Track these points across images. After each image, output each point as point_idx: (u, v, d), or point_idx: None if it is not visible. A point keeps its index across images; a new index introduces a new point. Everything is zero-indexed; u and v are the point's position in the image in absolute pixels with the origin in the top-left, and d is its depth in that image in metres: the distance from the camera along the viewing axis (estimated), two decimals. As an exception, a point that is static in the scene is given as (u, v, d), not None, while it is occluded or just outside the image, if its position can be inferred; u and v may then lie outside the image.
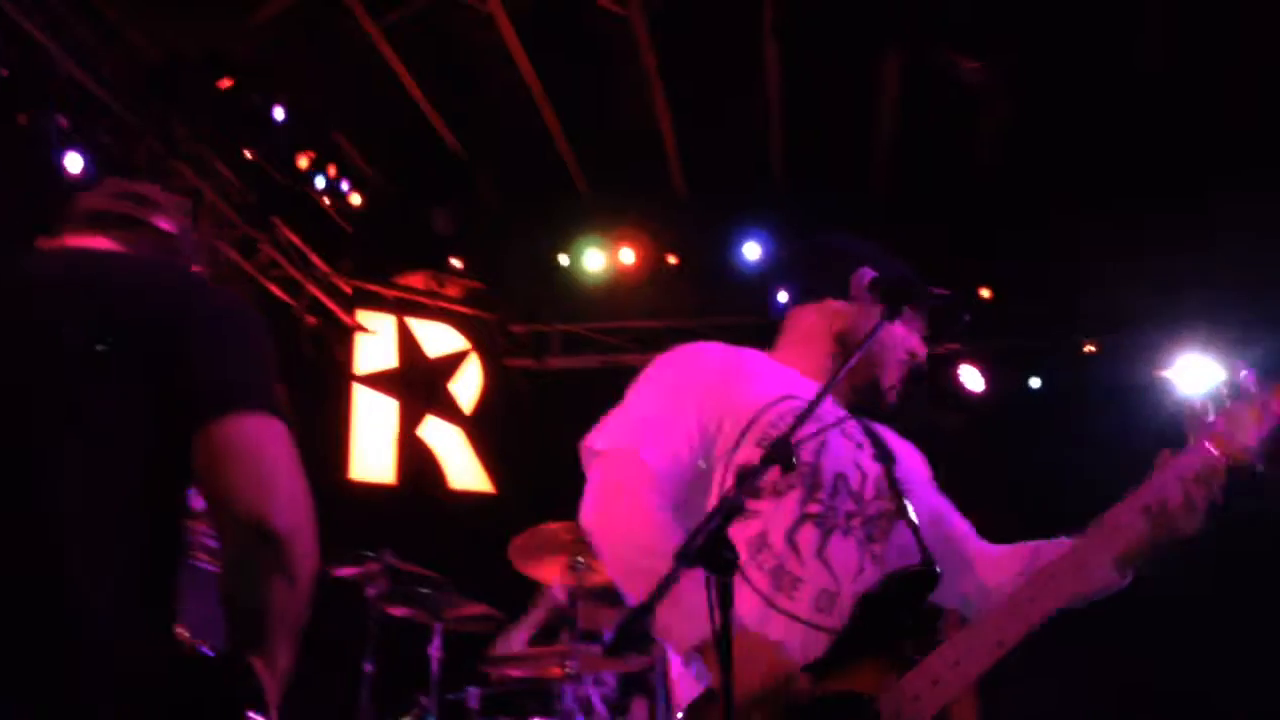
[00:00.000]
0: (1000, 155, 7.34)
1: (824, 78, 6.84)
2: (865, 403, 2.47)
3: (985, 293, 7.63)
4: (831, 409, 2.39)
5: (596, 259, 8.12)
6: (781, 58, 6.63)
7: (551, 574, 5.30)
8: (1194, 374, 7.24)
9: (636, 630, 1.93)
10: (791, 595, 2.21)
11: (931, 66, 6.30)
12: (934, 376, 7.71)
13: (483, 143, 7.53)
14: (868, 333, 2.28)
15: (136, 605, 1.68)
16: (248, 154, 6.45)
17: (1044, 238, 7.34)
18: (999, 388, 7.52)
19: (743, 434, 2.30)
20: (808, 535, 2.25)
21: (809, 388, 2.37)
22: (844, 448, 2.38)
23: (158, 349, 1.77)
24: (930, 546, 2.35)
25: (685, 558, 1.82)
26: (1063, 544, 2.31)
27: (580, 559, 5.08)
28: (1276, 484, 2.21)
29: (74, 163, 5.45)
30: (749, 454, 2.25)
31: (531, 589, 5.97)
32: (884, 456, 2.44)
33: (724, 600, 1.83)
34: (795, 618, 2.20)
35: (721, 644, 1.80)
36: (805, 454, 2.30)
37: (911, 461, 2.58)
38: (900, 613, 2.19)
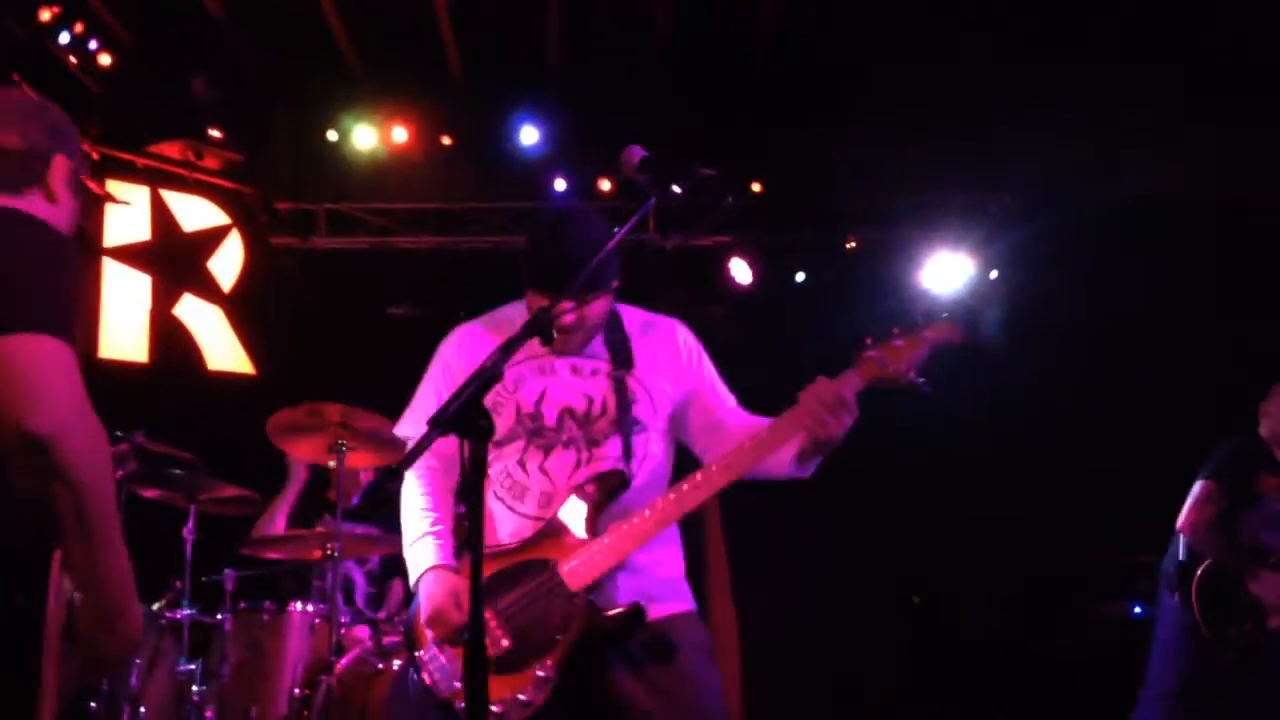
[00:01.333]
0: (777, 49, 7.43)
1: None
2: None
3: (755, 186, 7.78)
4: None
5: (367, 136, 7.85)
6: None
7: (312, 453, 5.20)
8: (946, 271, 7.60)
9: (383, 494, 2.45)
10: (521, 500, 2.98)
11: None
12: (704, 268, 7.85)
13: (246, 5, 7.12)
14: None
15: None
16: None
17: (813, 135, 7.52)
18: (766, 281, 7.72)
19: None
20: (532, 455, 3.00)
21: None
22: (566, 386, 3.04)
23: None
24: (683, 421, 3.15)
25: (440, 423, 2.16)
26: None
27: (342, 441, 4.99)
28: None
29: None
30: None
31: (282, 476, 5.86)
32: (619, 370, 3.05)
33: (476, 466, 2.14)
34: (524, 515, 2.97)
35: (473, 516, 2.12)
36: (526, 406, 3.02)
37: (655, 355, 3.12)
38: (591, 502, 2.90)
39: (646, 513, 2.85)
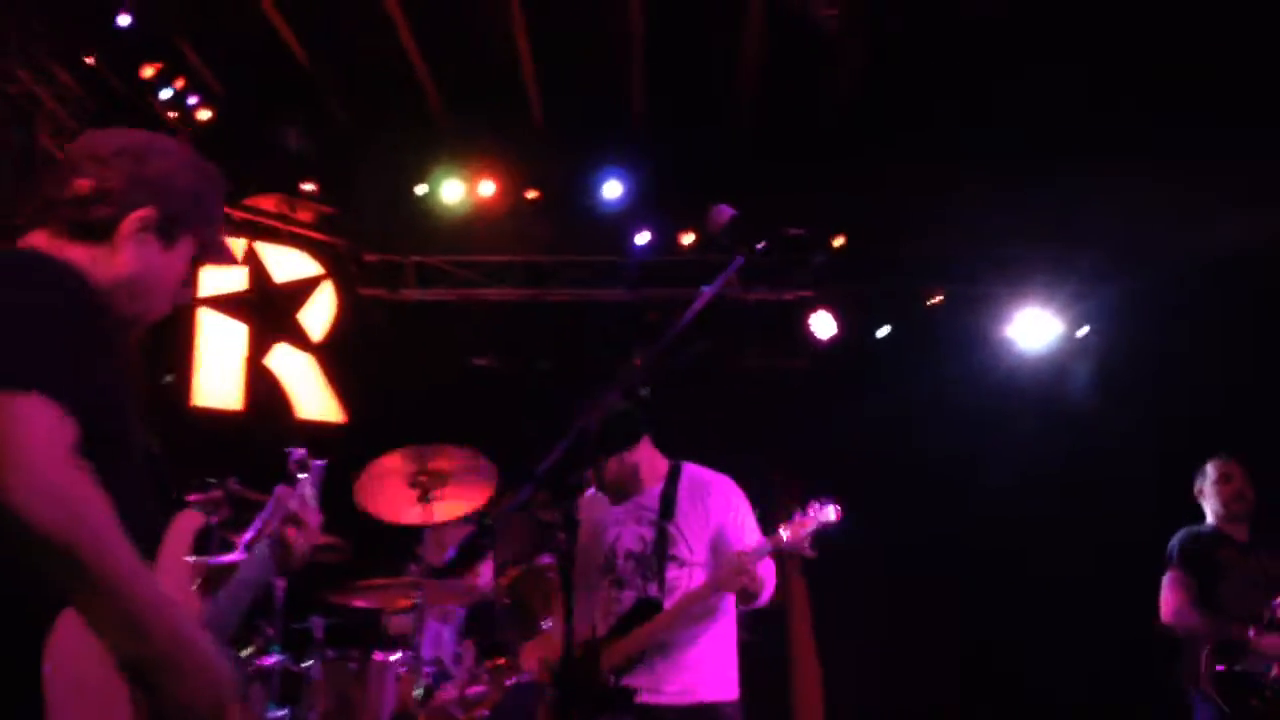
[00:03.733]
0: (861, 102, 7.44)
1: (687, 10, 6.81)
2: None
3: (838, 240, 7.77)
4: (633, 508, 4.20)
5: (455, 190, 7.98)
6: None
7: (401, 508, 5.25)
8: (1032, 327, 7.52)
9: (476, 550, 2.47)
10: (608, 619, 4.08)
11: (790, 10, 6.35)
12: (786, 322, 7.84)
13: (338, 63, 7.31)
14: None
15: None
16: (89, 60, 6.13)
17: (897, 189, 7.50)
18: (848, 335, 7.69)
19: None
20: (609, 590, 4.12)
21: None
22: (632, 531, 4.12)
23: None
24: (710, 557, 4.09)
25: (536, 478, 2.18)
26: None
27: (431, 492, 5.04)
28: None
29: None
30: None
31: (378, 525, 5.91)
32: (664, 519, 4.05)
33: (567, 522, 2.23)
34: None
35: (562, 568, 2.31)
36: (606, 548, 4.14)
37: (696, 504, 4.12)
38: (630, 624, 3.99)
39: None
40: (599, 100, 7.65)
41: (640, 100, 7.59)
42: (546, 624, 5.09)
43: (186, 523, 2.12)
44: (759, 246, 2.73)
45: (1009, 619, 7.22)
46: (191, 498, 4.94)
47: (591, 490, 4.14)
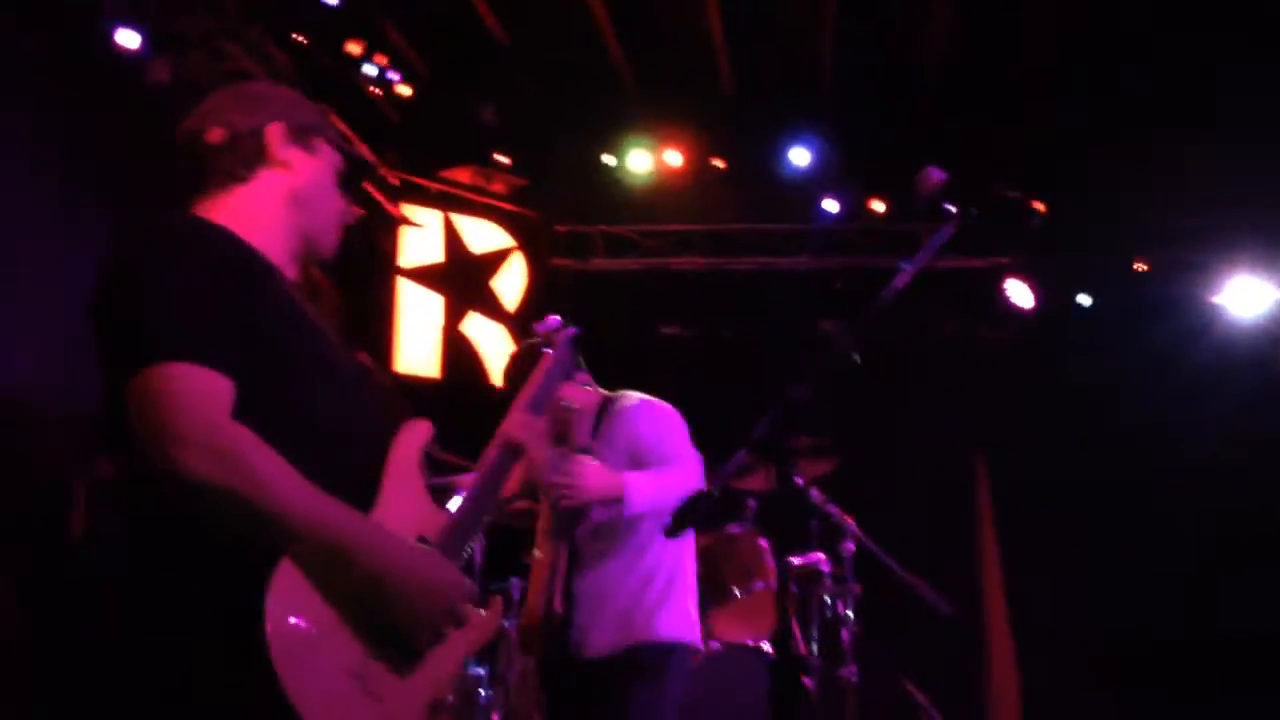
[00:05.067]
0: (1056, 65, 7.18)
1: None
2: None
3: (1039, 206, 7.51)
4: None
5: (642, 160, 8.03)
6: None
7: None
8: (1245, 295, 7.16)
9: (694, 516, 2.42)
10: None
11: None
12: (981, 290, 7.65)
13: (532, 37, 7.42)
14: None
15: None
16: (299, 37, 6.36)
17: (1100, 150, 7.21)
18: (1047, 304, 7.45)
19: None
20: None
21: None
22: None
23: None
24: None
25: (753, 445, 2.30)
26: None
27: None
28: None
29: (127, 38, 5.40)
30: None
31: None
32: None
33: (784, 484, 2.14)
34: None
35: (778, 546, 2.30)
36: None
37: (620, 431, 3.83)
38: None
39: None
40: (788, 68, 7.58)
41: (829, 67, 7.49)
42: (738, 592, 5.11)
43: (416, 430, 2.15)
44: (973, 212, 2.60)
45: (1214, 593, 6.91)
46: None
47: None
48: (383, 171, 7.44)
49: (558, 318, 3.10)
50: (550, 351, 2.99)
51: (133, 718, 1.83)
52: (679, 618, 3.69)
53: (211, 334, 1.83)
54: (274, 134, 2.14)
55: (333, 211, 2.23)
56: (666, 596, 3.68)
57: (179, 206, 2.12)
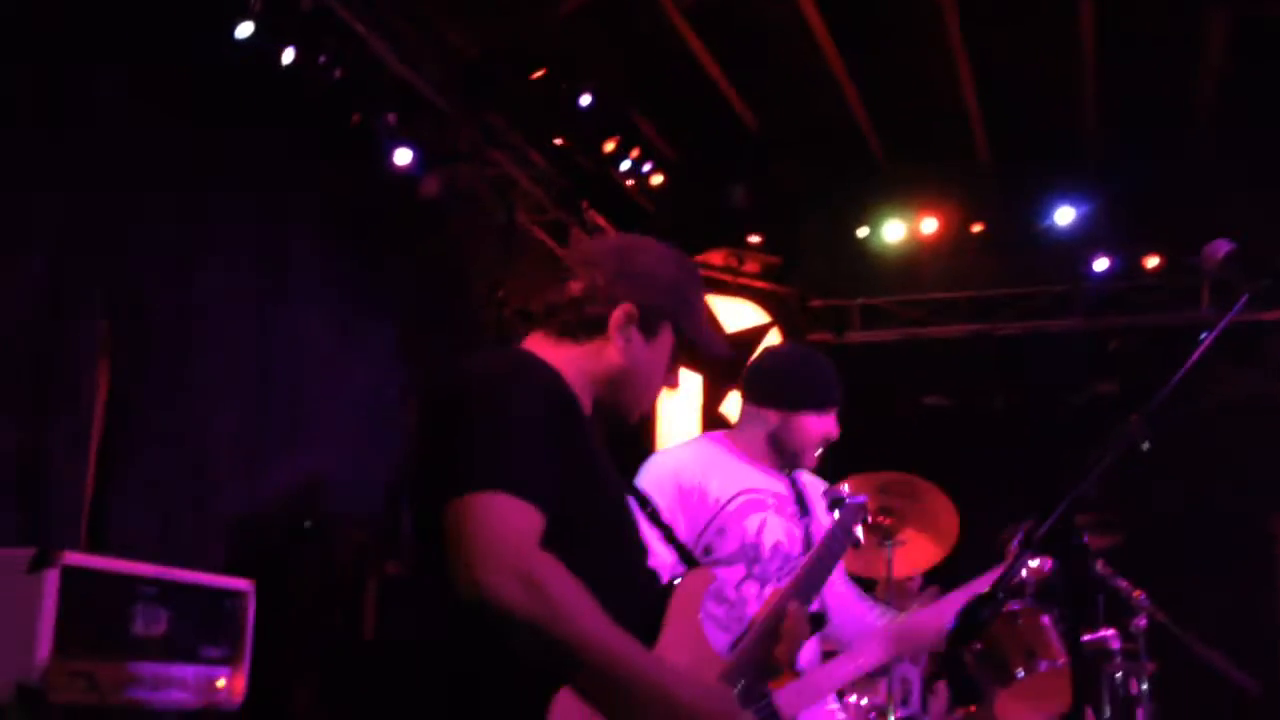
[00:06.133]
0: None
1: (1142, 33, 6.46)
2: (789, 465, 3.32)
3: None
4: (769, 483, 3.28)
5: (896, 230, 7.99)
6: (1096, 14, 6.29)
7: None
8: None
9: (977, 622, 2.34)
10: (738, 624, 3.05)
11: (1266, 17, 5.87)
12: (1261, 345, 7.20)
13: (779, 117, 7.53)
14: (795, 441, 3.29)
15: None
16: (558, 141, 6.68)
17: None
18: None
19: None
20: (750, 584, 3.19)
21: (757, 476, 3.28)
22: (777, 523, 3.24)
23: None
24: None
25: (1032, 544, 2.21)
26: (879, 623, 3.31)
27: (889, 540, 5.01)
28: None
29: (402, 156, 5.80)
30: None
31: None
32: (803, 515, 3.31)
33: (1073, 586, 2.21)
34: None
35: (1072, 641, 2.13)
36: (749, 535, 3.19)
37: (818, 506, 3.35)
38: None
39: (844, 661, 3.13)
40: (1047, 126, 7.40)
41: (1092, 120, 7.26)
42: (1021, 673, 4.92)
43: (697, 581, 2.20)
44: (1266, 283, 2.47)
45: None
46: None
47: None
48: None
49: (847, 487, 3.07)
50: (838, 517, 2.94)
51: None
52: None
53: (534, 468, 1.90)
54: (620, 315, 2.17)
55: (651, 392, 2.27)
56: None
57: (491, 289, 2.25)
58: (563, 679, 1.85)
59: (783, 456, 3.29)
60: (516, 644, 1.83)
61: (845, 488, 2.72)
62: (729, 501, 3.18)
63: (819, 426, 3.27)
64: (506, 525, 1.83)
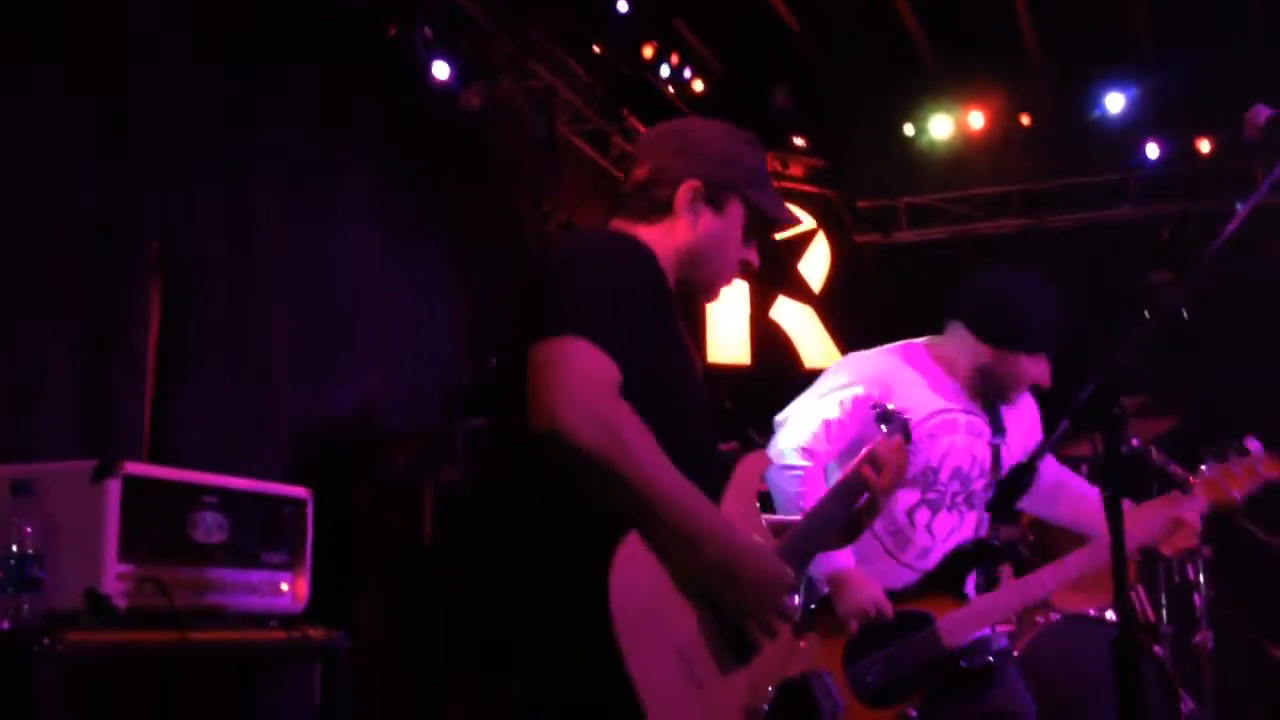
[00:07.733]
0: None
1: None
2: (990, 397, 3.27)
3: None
4: (964, 406, 3.24)
5: (943, 125, 7.88)
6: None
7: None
8: None
9: (1017, 490, 2.56)
10: (902, 549, 3.22)
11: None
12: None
13: (821, 17, 7.41)
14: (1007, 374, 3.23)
15: None
16: (596, 49, 6.63)
17: None
18: None
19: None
20: (922, 511, 3.21)
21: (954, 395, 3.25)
22: (964, 444, 3.23)
23: None
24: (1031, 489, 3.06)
25: (1077, 414, 2.25)
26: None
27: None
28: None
29: (440, 70, 5.79)
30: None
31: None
32: (996, 438, 3.27)
33: (1110, 457, 2.19)
34: (902, 563, 3.21)
35: (1110, 510, 2.15)
36: (932, 460, 3.18)
37: (1020, 429, 3.36)
38: (969, 566, 3.16)
39: (1013, 587, 3.16)
40: (1095, 10, 7.22)
41: (1144, 12, 7.08)
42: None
43: (753, 465, 2.23)
44: None
45: None
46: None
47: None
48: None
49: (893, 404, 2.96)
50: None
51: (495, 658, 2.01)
52: None
53: (622, 327, 1.97)
54: (686, 191, 2.23)
55: (728, 265, 2.32)
56: None
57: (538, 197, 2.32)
58: (628, 525, 1.90)
59: (986, 388, 3.24)
60: (585, 484, 1.89)
61: (892, 404, 2.68)
62: (923, 421, 3.11)
63: (1033, 369, 3.20)
64: (589, 367, 1.90)
